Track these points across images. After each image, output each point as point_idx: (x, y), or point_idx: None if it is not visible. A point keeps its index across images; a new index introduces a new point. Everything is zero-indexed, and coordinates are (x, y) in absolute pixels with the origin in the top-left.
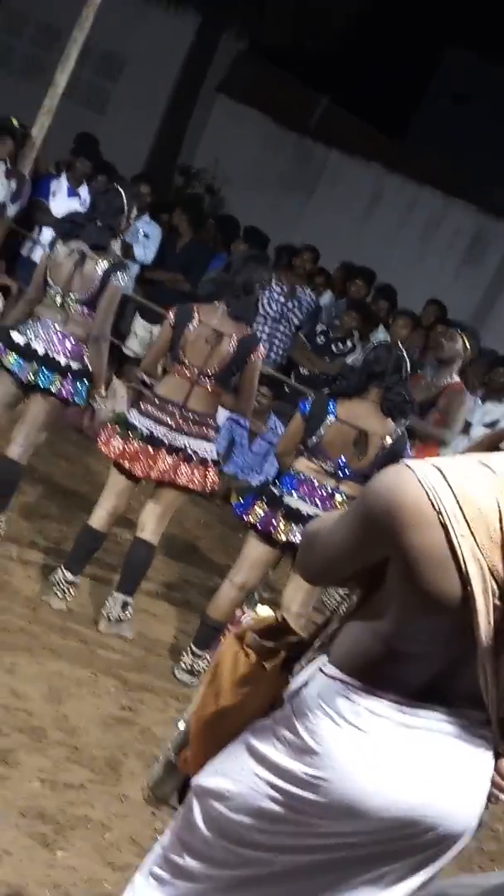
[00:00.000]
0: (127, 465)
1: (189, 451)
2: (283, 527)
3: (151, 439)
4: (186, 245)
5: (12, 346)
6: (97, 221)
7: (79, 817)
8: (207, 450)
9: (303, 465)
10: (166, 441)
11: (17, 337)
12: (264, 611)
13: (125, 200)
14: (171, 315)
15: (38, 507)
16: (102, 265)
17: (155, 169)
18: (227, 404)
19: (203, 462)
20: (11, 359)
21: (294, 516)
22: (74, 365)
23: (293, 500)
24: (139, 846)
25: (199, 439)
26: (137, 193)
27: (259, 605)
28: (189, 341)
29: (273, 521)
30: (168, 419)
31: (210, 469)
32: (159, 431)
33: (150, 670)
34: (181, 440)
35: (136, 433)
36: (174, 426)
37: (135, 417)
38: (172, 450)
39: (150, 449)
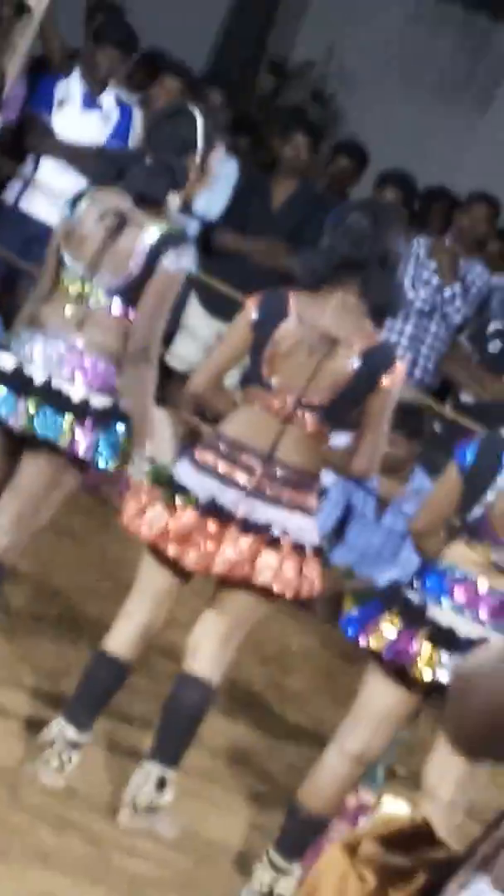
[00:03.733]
0: (171, 550)
1: (276, 531)
2: (425, 657)
3: (214, 509)
4: (295, 194)
5: None
6: (148, 159)
7: None
8: (305, 528)
9: (458, 553)
10: (239, 512)
11: (2, 358)
12: (393, 805)
13: (200, 128)
14: (252, 307)
15: (23, 619)
16: (150, 234)
17: (229, 64)
18: (336, 461)
19: (298, 548)
20: None
21: (445, 640)
22: (97, 401)
23: (443, 613)
24: None
25: (292, 510)
26: (222, 120)
27: (386, 794)
28: (281, 351)
29: (410, 646)
30: (242, 477)
31: (310, 560)
32: (227, 497)
33: (202, 893)
34: (263, 511)
35: (189, 498)
36: (252, 488)
37: (187, 473)
38: (249, 527)
39: (212, 525)
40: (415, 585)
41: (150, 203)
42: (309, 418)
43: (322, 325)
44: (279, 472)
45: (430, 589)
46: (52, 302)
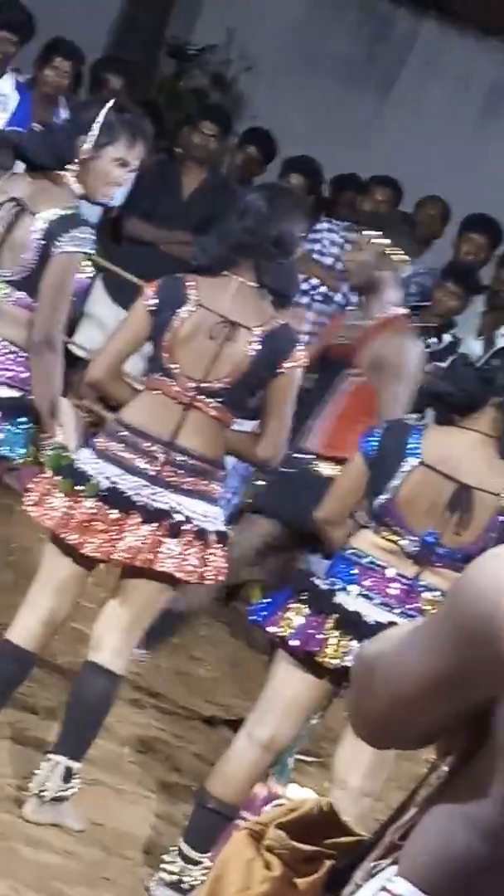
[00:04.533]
0: (73, 539)
1: (178, 518)
2: (334, 643)
3: (115, 496)
4: (205, 184)
5: None
6: (46, 141)
7: None
8: (210, 514)
9: (366, 540)
10: (140, 500)
11: None
12: (299, 792)
13: (102, 116)
14: (150, 293)
15: None
16: (43, 219)
17: (129, 48)
18: (239, 447)
19: (202, 535)
20: None
21: (353, 626)
22: (4, 393)
23: (350, 599)
24: None
25: (195, 497)
26: (133, 118)
27: (292, 783)
28: (180, 337)
29: (318, 633)
30: (144, 463)
31: (213, 546)
32: (128, 484)
33: (109, 884)
34: (166, 498)
35: (90, 487)
36: (154, 475)
37: (88, 460)
38: (151, 514)
39: (113, 512)
40: (322, 572)
41: (40, 169)
42: (210, 404)
43: (221, 310)
44: (181, 459)
45: (338, 575)
46: None
